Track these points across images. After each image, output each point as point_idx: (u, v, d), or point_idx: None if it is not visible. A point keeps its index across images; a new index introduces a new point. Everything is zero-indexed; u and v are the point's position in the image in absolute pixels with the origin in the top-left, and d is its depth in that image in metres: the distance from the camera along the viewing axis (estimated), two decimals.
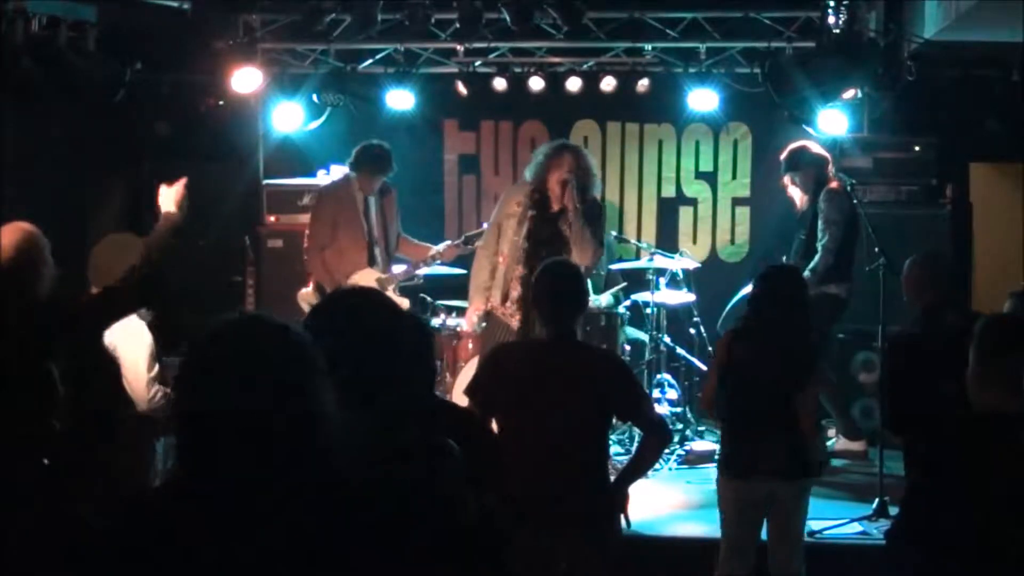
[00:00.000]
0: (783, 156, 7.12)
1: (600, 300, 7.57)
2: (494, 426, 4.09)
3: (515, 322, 6.15)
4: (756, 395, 4.58)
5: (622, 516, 4.20)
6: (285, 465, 1.87)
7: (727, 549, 4.68)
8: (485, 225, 6.77)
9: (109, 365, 4.22)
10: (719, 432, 4.87)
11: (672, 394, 7.46)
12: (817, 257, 6.78)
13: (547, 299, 4.13)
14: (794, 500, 4.65)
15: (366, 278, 6.88)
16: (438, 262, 7.25)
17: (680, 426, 7.18)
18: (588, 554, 3.99)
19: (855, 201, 6.75)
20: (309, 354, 1.95)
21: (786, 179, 7.11)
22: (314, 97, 7.83)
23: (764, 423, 4.55)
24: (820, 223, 6.81)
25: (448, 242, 7.20)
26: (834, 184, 6.89)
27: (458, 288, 7.37)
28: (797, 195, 7.08)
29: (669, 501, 6.24)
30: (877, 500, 5.96)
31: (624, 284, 7.66)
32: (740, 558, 4.65)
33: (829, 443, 7.29)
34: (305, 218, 8.13)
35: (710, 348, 7.00)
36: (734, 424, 4.67)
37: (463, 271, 7.45)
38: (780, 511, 4.64)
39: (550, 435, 3.95)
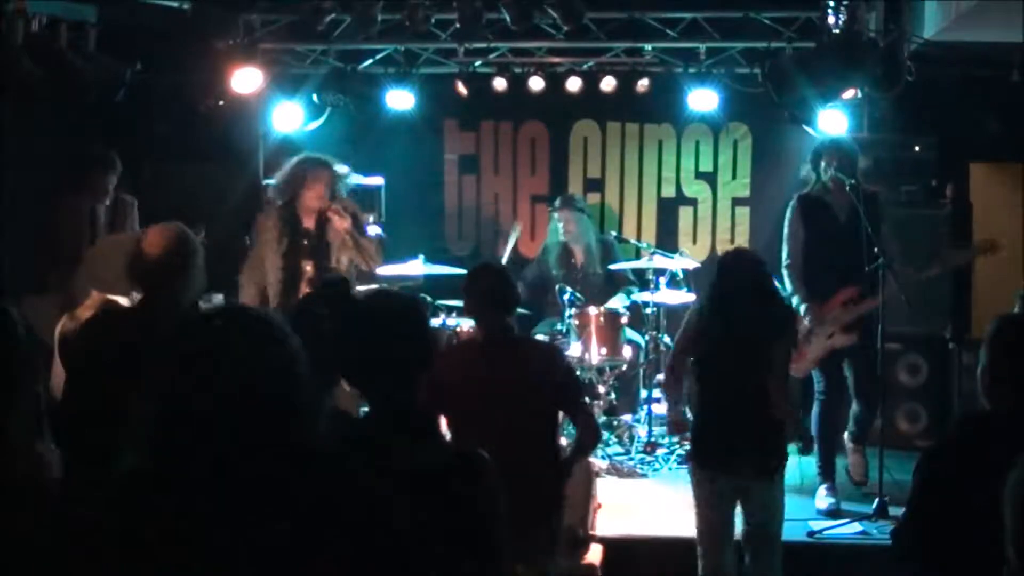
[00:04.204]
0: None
1: (615, 304, 7.57)
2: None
3: None
4: (726, 384, 4.59)
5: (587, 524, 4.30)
6: (262, 451, 1.85)
7: (704, 543, 4.71)
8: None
9: None
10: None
11: None
12: None
13: (482, 299, 4.27)
14: (767, 496, 4.63)
15: None
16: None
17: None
18: (540, 547, 4.07)
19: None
20: (289, 343, 1.93)
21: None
22: (314, 97, 7.83)
23: (735, 414, 4.55)
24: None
25: None
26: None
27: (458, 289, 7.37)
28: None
29: (669, 501, 6.23)
30: (877, 500, 5.95)
31: (635, 286, 7.72)
32: (720, 554, 4.66)
33: None
34: None
35: None
36: (704, 415, 4.68)
37: (462, 271, 7.47)
38: (753, 508, 4.64)
39: (500, 431, 3.98)
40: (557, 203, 8.01)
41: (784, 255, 6.45)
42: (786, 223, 6.50)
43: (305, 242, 6.34)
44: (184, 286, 3.94)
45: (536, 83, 7.84)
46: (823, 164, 6.40)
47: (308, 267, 6.32)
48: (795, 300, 6.33)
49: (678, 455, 6.95)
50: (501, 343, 4.26)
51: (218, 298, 6.49)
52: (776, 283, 4.86)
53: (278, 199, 6.45)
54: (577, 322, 7.12)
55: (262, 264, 6.36)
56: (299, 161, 6.47)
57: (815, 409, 6.37)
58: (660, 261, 7.50)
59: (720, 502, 4.66)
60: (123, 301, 4.62)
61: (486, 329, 4.30)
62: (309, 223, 6.39)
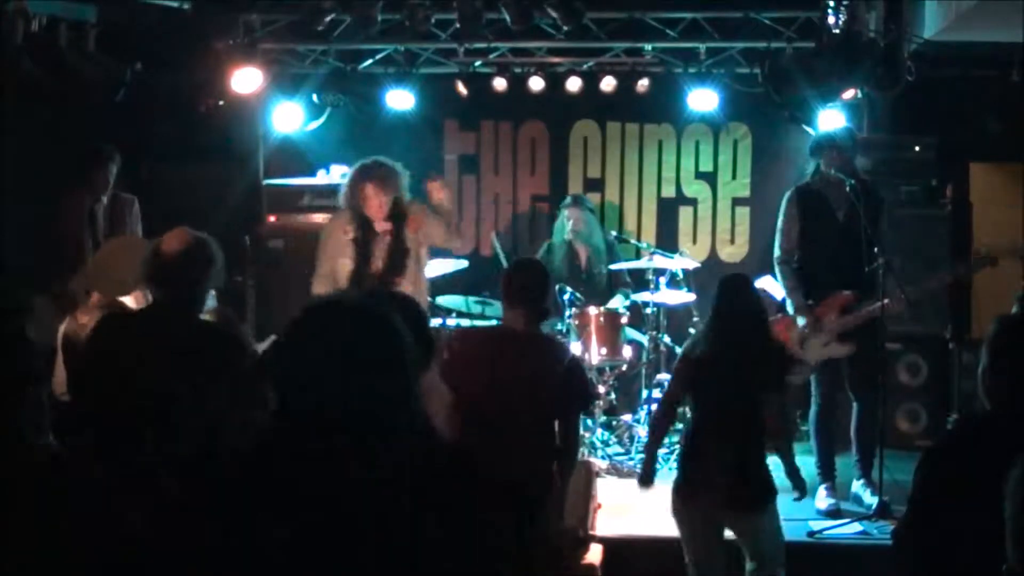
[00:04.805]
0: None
1: (611, 305, 7.57)
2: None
3: None
4: (720, 413, 4.55)
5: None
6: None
7: (693, 569, 4.67)
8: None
9: None
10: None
11: None
12: None
13: (525, 292, 4.36)
14: (756, 527, 4.59)
15: None
16: None
17: (680, 425, 7.17)
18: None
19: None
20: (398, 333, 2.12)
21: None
22: (314, 97, 7.83)
23: (727, 446, 4.50)
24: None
25: None
26: None
27: (459, 288, 7.37)
28: None
29: (669, 501, 6.22)
30: (877, 500, 5.95)
31: (629, 288, 7.71)
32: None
33: None
34: (305, 218, 8.13)
35: None
36: (694, 443, 4.65)
37: (464, 269, 7.48)
38: (746, 536, 4.61)
39: (499, 423, 4.06)
40: (568, 201, 7.97)
41: (776, 250, 6.41)
42: (781, 215, 6.43)
43: (384, 243, 6.17)
44: (199, 292, 3.95)
45: (536, 83, 7.84)
46: (822, 159, 6.39)
47: (380, 268, 6.14)
48: (788, 302, 6.31)
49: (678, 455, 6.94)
50: (515, 337, 4.31)
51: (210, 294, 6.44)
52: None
53: (346, 205, 6.23)
54: (577, 322, 7.12)
55: (334, 270, 6.17)
56: (359, 169, 6.22)
57: (812, 410, 6.35)
58: (660, 261, 7.50)
59: (705, 531, 4.62)
60: (129, 302, 4.62)
61: (514, 322, 4.34)
62: (384, 225, 6.19)
